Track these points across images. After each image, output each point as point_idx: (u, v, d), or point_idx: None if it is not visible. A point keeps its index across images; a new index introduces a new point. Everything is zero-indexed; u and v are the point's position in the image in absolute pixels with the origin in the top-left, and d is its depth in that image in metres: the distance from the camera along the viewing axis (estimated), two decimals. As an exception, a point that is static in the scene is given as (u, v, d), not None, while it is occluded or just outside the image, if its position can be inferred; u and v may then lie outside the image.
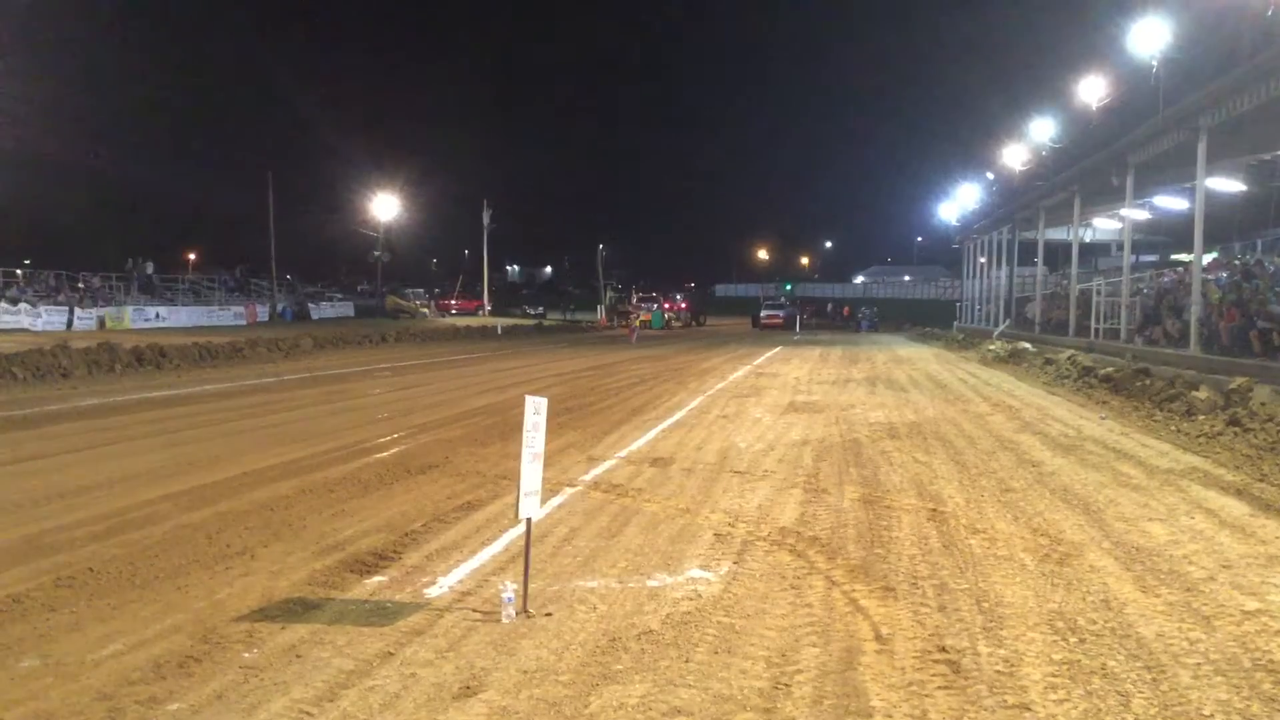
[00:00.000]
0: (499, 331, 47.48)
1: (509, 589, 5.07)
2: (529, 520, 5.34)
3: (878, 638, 4.72)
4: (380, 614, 5.08)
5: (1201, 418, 12.40)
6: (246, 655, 4.49)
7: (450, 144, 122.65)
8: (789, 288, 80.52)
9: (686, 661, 4.42)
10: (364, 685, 4.15)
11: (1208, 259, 24.22)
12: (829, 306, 68.84)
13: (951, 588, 5.54)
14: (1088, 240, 39.45)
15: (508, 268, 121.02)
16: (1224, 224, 28.40)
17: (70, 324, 33.75)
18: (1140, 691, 4.08)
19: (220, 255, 73.48)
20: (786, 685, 4.15)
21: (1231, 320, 17.52)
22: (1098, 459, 10.03)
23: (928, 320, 57.00)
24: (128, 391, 16.87)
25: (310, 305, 53.80)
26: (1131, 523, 7.16)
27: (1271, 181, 24.81)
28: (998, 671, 4.30)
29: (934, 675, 4.25)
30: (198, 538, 6.62)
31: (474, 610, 5.14)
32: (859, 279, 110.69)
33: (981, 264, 46.09)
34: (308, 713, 3.88)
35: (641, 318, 56.47)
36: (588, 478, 8.89)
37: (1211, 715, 3.85)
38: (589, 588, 5.54)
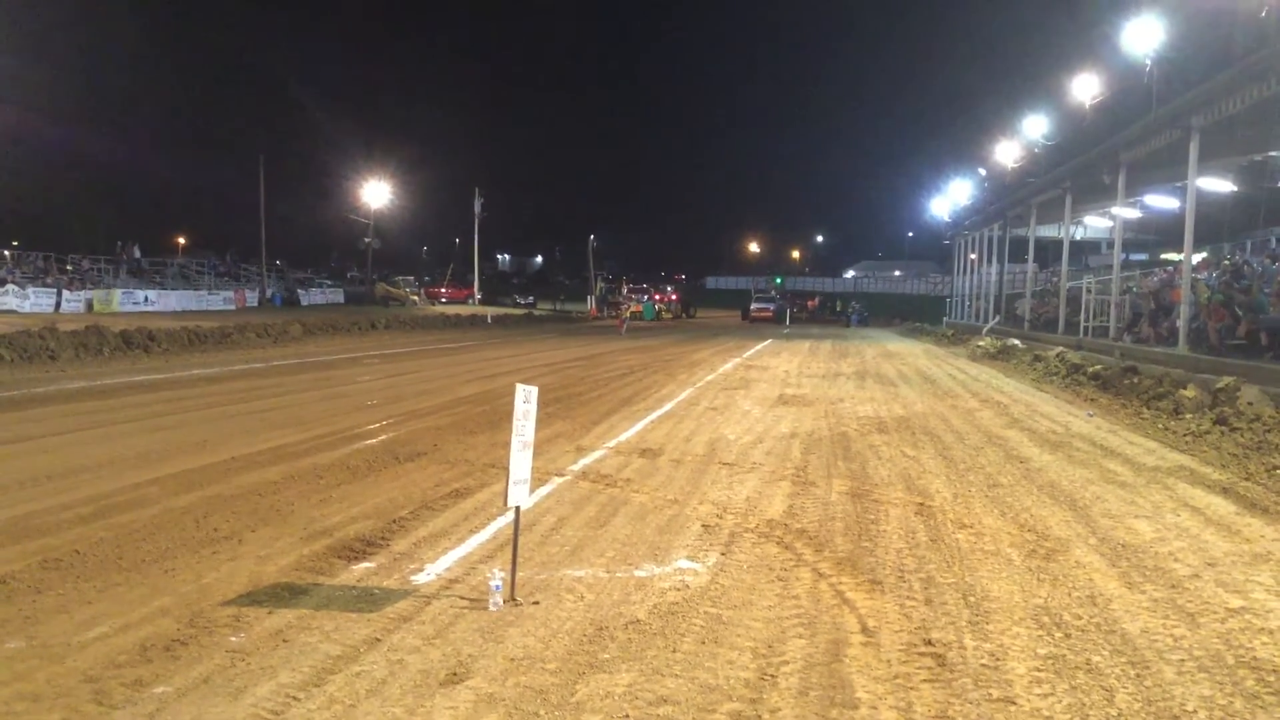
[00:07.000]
0: (489, 320, 47.42)
1: (497, 577, 5.07)
2: (517, 508, 5.34)
3: (864, 630, 4.74)
4: (368, 600, 5.07)
5: (1189, 416, 12.47)
6: (233, 639, 4.48)
7: (443, 132, 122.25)
8: (779, 281, 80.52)
9: (673, 651, 4.43)
10: (351, 671, 4.15)
11: (1197, 258, 24.30)
12: (813, 302, 69.00)
13: (938, 581, 5.56)
14: (1078, 238, 39.62)
15: (498, 257, 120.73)
16: (1214, 224, 28.54)
17: (58, 306, 33.58)
18: (1124, 687, 4.10)
19: (210, 240, 73.19)
20: (773, 676, 4.16)
21: (1220, 320, 17.61)
22: (1085, 456, 10.08)
23: (918, 316, 57.23)
24: (115, 375, 16.78)
25: (300, 291, 53.70)
26: (1118, 519, 7.20)
27: (1261, 183, 24.93)
28: (983, 665, 4.32)
29: (919, 668, 4.27)
30: (185, 522, 6.59)
31: (461, 598, 5.14)
32: (849, 273, 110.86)
33: (972, 260, 46.24)
34: (294, 697, 3.87)
35: (632, 309, 56.37)
36: (576, 467, 8.88)
37: (1195, 711, 3.88)
38: (577, 577, 5.54)
